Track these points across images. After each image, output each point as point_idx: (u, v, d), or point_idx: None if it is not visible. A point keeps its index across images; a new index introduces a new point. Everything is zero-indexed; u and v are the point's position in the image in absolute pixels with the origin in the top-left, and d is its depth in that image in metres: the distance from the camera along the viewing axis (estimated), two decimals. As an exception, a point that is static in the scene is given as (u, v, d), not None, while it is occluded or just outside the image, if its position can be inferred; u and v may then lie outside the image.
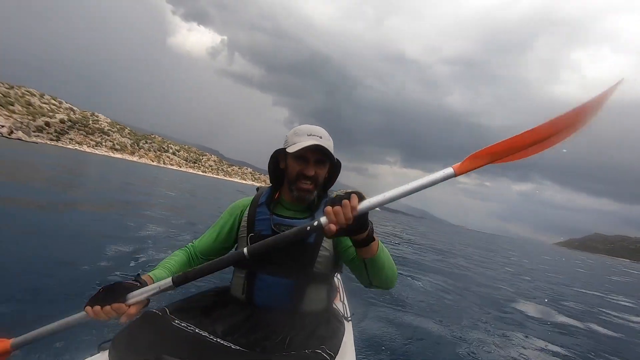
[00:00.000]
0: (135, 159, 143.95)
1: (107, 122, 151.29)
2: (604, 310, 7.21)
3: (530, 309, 5.84)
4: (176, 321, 1.13)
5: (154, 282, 1.06)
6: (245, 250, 1.00)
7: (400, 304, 4.39)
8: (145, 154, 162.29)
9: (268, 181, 1.47)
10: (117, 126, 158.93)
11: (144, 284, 1.06)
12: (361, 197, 0.95)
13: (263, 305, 1.29)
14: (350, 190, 0.97)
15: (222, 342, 1.12)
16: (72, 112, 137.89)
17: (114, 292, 1.01)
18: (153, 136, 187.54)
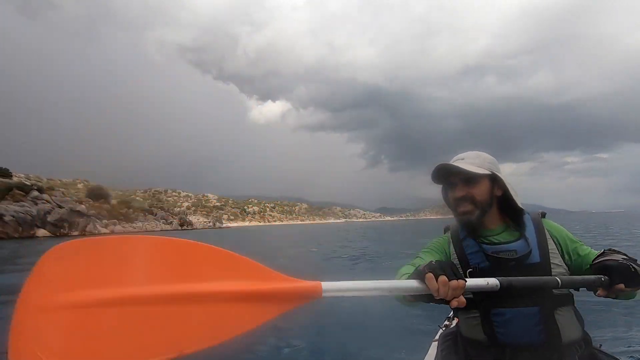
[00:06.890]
0: (246, 223, 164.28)
1: (215, 199, 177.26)
2: None
3: None
4: None
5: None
6: (497, 280, 0.89)
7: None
8: (252, 217, 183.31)
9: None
10: (223, 200, 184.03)
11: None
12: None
13: (511, 343, 1.10)
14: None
15: None
16: (189, 198, 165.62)
17: (451, 269, 0.88)
18: (251, 200, 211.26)
